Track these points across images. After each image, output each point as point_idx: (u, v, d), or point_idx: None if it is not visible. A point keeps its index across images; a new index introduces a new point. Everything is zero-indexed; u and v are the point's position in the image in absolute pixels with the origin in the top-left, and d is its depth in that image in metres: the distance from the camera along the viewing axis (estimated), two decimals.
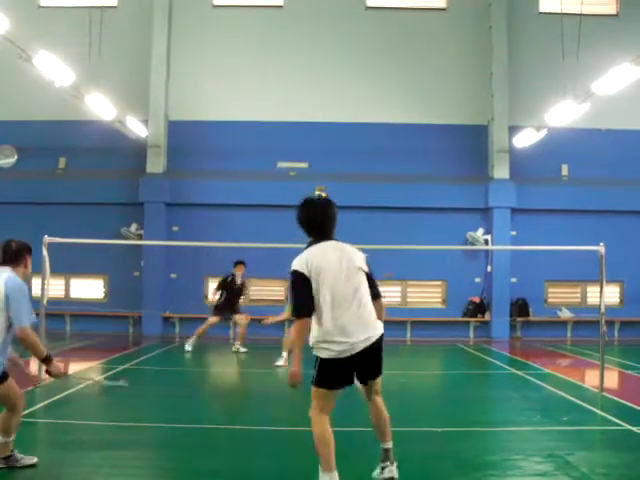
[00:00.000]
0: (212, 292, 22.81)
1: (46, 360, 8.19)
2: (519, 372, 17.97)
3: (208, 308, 23.46)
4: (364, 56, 27.79)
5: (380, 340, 7.43)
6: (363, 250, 7.82)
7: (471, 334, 27.11)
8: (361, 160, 27.06)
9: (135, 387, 15.59)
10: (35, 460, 8.49)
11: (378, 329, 7.42)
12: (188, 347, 21.82)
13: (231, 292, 22.08)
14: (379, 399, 7.72)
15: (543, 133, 24.25)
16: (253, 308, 27.12)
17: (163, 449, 9.85)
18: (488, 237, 26.75)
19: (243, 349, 22.11)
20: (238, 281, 22.16)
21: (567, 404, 13.30)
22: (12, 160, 27.74)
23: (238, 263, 22.06)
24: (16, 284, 8.15)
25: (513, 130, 26.61)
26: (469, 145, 27.52)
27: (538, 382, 16.10)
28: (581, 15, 24.16)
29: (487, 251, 26.71)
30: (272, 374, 18.18)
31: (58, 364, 8.34)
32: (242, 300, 22.78)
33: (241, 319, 22.27)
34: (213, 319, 22.22)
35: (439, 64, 27.75)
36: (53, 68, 18.03)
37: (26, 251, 8.66)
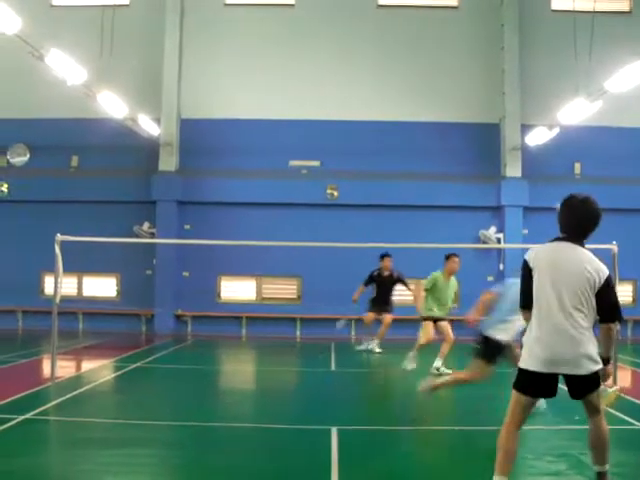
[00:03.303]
0: (357, 290, 22.07)
1: None
2: None
3: (355, 308, 22.89)
4: (376, 54, 27.75)
5: None
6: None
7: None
8: (373, 158, 27.03)
9: (147, 385, 15.66)
10: None
11: None
12: (370, 347, 21.63)
13: (380, 286, 21.81)
14: (596, 416, 7.02)
15: (555, 131, 24.15)
16: (266, 307, 27.23)
17: (175, 447, 9.84)
18: (500, 235, 26.66)
19: (378, 349, 21.58)
20: (385, 274, 21.71)
21: (579, 403, 13.20)
22: (25, 158, 27.81)
23: (382, 256, 21.53)
24: None
25: (525, 128, 26.48)
26: (481, 143, 27.41)
27: None
28: (594, 12, 24.10)
29: (499, 250, 26.62)
30: (285, 372, 18.20)
31: None
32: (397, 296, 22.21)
33: (387, 318, 21.73)
34: (369, 317, 21.93)
35: (451, 62, 27.66)
36: (65, 67, 18.05)
37: None
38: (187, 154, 27.85)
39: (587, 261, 6.78)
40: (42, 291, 27.58)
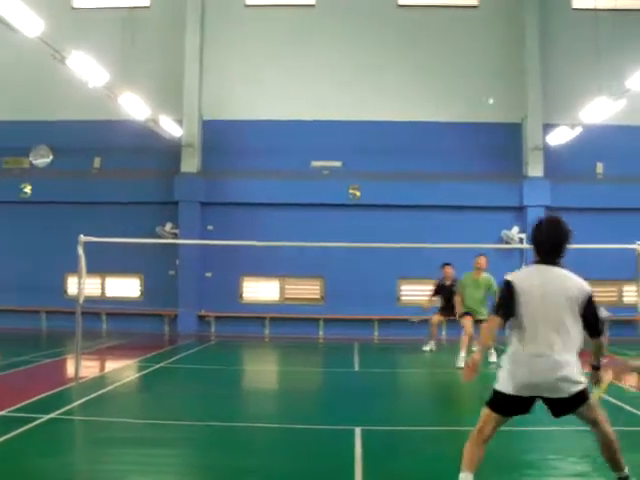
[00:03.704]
0: (427, 299, 22.15)
1: None
2: None
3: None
4: (396, 54, 27.70)
5: None
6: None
7: (506, 332, 26.75)
8: (395, 158, 26.98)
9: (170, 385, 15.71)
10: None
11: None
12: (428, 347, 21.72)
13: (444, 295, 21.58)
14: (595, 428, 7.09)
15: (578, 130, 24.06)
16: (289, 307, 27.24)
17: (199, 447, 9.86)
18: (523, 236, 26.53)
19: (428, 347, 21.87)
20: (447, 283, 21.51)
21: (604, 404, 13.12)
22: (47, 160, 27.96)
23: (443, 265, 21.61)
24: None
25: (547, 128, 26.37)
26: (503, 143, 27.30)
27: None
28: (615, 10, 24.00)
29: (522, 249, 26.50)
30: (308, 372, 18.21)
31: None
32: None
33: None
34: (436, 318, 21.92)
35: (472, 62, 27.56)
36: (87, 68, 18.13)
37: None
38: (209, 155, 27.92)
39: (570, 281, 6.91)
40: (66, 292, 27.72)
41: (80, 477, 8.30)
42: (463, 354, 17.62)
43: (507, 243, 26.41)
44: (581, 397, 6.77)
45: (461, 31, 27.79)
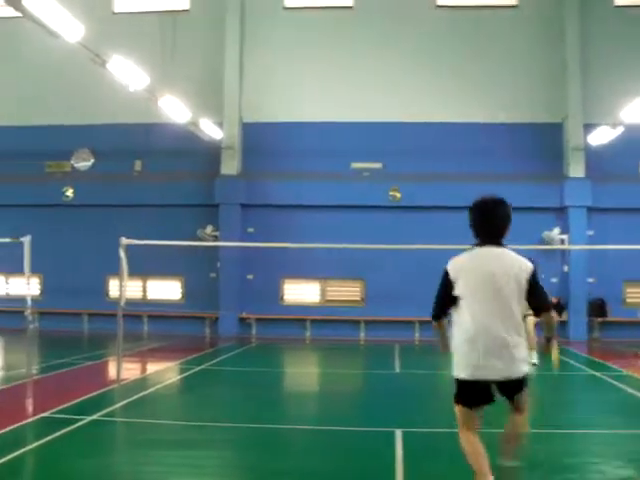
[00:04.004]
0: None
1: None
2: (597, 373, 17.63)
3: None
4: (435, 55, 27.57)
5: None
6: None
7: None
8: (435, 160, 26.84)
9: (211, 387, 15.75)
10: None
11: None
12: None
13: None
14: (518, 411, 6.98)
15: (619, 130, 23.80)
16: (330, 309, 27.23)
17: (240, 449, 9.89)
18: (564, 237, 26.33)
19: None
20: None
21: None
22: (89, 163, 28.17)
23: None
24: None
25: (588, 128, 26.04)
26: (544, 143, 27.07)
27: (617, 384, 15.79)
28: None
29: (563, 251, 26.30)
30: (349, 374, 18.19)
31: None
32: None
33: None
34: None
35: (512, 62, 27.34)
36: (127, 72, 18.25)
37: None
38: (249, 157, 27.97)
39: (511, 260, 6.87)
40: (107, 294, 27.93)
41: (121, 479, 8.34)
42: None
43: (548, 244, 26.19)
44: (525, 380, 6.79)
45: (500, 31, 27.59)
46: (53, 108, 28.32)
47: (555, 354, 9.02)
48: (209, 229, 27.56)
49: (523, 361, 6.70)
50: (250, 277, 27.65)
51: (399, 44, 27.62)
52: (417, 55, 27.60)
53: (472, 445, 6.81)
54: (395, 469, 8.41)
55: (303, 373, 19.71)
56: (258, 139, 27.82)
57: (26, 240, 13.54)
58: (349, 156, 27.51)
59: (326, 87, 27.68)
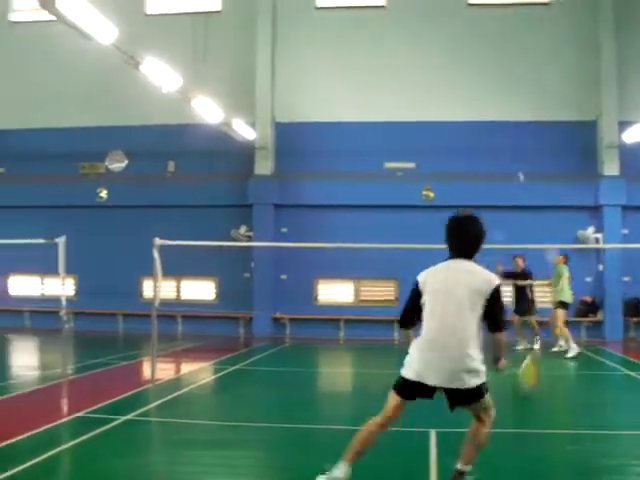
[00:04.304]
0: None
1: None
2: (632, 373, 17.47)
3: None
4: (467, 54, 27.42)
5: None
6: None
7: (583, 334, 26.38)
8: (468, 159, 26.71)
9: (246, 387, 15.77)
10: None
11: None
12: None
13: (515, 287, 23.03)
14: (478, 419, 7.23)
15: None
16: (364, 309, 27.20)
17: (274, 449, 9.89)
18: (599, 236, 26.11)
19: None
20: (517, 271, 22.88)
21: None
22: (123, 164, 28.29)
23: (514, 257, 22.82)
24: None
25: (623, 125, 25.77)
26: (577, 142, 26.82)
27: None
28: None
29: (598, 250, 26.09)
30: (383, 374, 18.13)
31: None
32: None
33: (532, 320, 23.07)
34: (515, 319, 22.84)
35: (544, 60, 27.08)
36: (160, 74, 18.35)
37: None
38: (282, 157, 27.99)
39: (475, 275, 7.05)
40: (142, 294, 28.07)
41: (156, 478, 8.37)
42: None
43: (583, 243, 25.98)
44: (477, 392, 6.91)
45: (533, 28, 27.37)
46: (86, 110, 28.49)
47: (529, 371, 8.56)
48: (243, 229, 27.63)
49: (473, 373, 6.84)
50: (284, 277, 27.68)
51: (431, 43, 27.53)
52: (449, 54, 27.46)
53: (367, 428, 7.24)
54: (430, 470, 8.38)
55: (337, 373, 19.71)
56: (291, 139, 27.84)
57: (60, 241, 13.60)
58: (382, 155, 27.45)
59: (358, 86, 27.62)
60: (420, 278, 7.29)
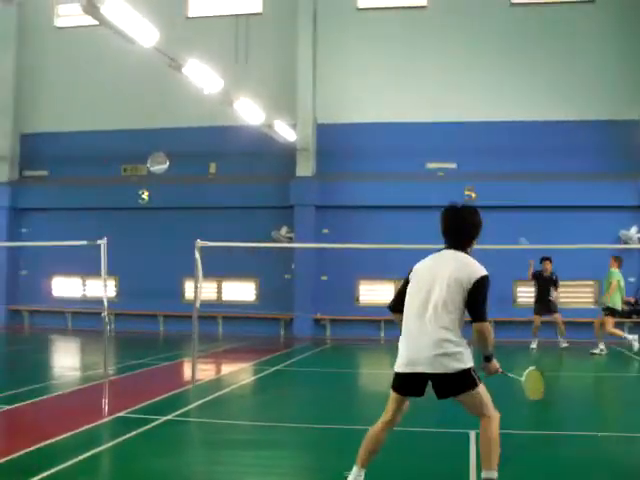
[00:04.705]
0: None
1: None
2: None
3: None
4: (509, 53, 27.27)
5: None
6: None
7: (626, 335, 26.10)
8: (509, 159, 26.60)
9: (286, 388, 15.81)
10: None
11: None
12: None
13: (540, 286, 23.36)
14: (480, 419, 7.08)
15: None
16: None
17: (314, 450, 9.89)
18: None
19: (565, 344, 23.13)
20: (545, 275, 23.22)
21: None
22: (164, 166, 28.43)
23: (543, 259, 23.02)
24: None
25: None
26: (620, 141, 26.56)
27: None
28: None
29: None
30: None
31: None
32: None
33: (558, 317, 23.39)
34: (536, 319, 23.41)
35: (587, 59, 26.88)
36: (202, 76, 18.46)
37: None
38: (324, 159, 28.02)
39: (461, 264, 7.10)
40: (183, 296, 28.21)
41: (195, 478, 8.41)
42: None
43: (625, 243, 25.77)
44: (464, 380, 6.87)
45: (575, 27, 27.15)
46: (129, 112, 28.81)
47: (532, 382, 7.78)
48: (284, 230, 27.70)
49: (453, 357, 6.84)
50: (325, 278, 27.70)
51: (473, 43, 27.41)
52: (491, 53, 27.35)
53: (374, 430, 7.25)
54: (469, 471, 8.34)
55: (377, 374, 19.64)
56: (332, 140, 27.86)
57: (103, 243, 13.73)
58: (424, 156, 27.41)
59: (399, 87, 27.59)
60: (414, 267, 7.51)
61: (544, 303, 22.98)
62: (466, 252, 7.29)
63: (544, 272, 22.93)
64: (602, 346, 21.46)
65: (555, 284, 23.13)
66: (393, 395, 7.17)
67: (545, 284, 22.97)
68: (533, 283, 23.44)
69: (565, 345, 22.86)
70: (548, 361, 20.61)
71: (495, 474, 6.85)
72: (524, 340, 23.26)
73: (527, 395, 7.60)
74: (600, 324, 21.93)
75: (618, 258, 21.96)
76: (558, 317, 23.06)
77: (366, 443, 7.25)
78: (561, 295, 25.34)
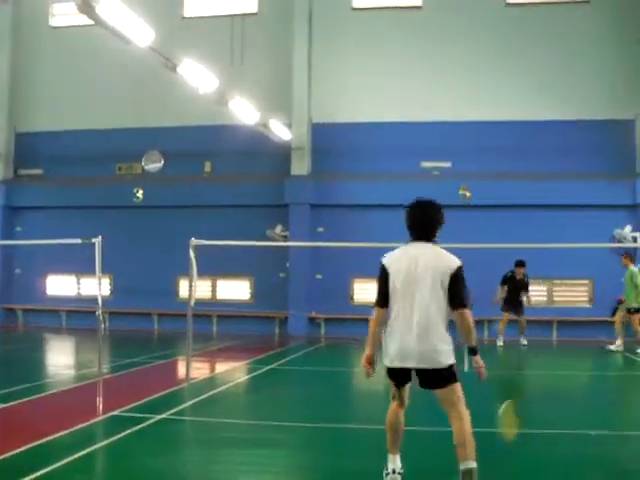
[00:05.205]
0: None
1: None
2: None
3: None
4: (505, 54, 27.29)
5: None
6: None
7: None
8: (504, 158, 26.61)
9: (280, 387, 15.83)
10: None
11: None
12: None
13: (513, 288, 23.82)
14: (453, 412, 7.29)
15: None
16: None
17: (309, 449, 9.93)
18: (637, 234, 25.97)
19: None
20: (518, 278, 23.65)
21: None
22: (159, 165, 28.51)
23: (518, 264, 23.44)
24: None
25: None
26: (615, 140, 26.62)
27: None
28: None
29: (635, 249, 25.91)
30: None
31: None
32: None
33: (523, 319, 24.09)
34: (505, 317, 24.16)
35: (582, 59, 26.89)
36: (197, 75, 18.48)
37: None
38: (319, 158, 28.03)
39: (437, 256, 7.35)
40: (177, 294, 28.19)
41: (190, 477, 8.43)
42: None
43: (619, 242, 25.82)
44: (448, 374, 7.16)
45: (571, 27, 27.17)
46: (124, 111, 28.80)
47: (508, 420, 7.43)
48: (278, 229, 27.72)
49: (443, 352, 7.12)
50: (319, 277, 27.71)
51: (468, 43, 27.42)
52: (487, 54, 27.37)
53: (390, 414, 7.58)
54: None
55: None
56: (327, 139, 27.88)
57: (97, 241, 13.73)
58: (418, 155, 27.44)
59: (395, 87, 27.58)
60: (385, 261, 7.59)
61: (514, 304, 23.65)
62: (434, 243, 7.49)
63: (517, 275, 23.44)
64: (619, 342, 21.75)
65: (526, 288, 23.75)
66: (392, 384, 7.42)
67: (517, 287, 23.54)
68: (505, 286, 23.67)
69: (525, 343, 23.60)
70: (547, 360, 20.63)
71: (475, 464, 7.06)
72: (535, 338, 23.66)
73: (504, 432, 7.76)
74: (622, 321, 22.54)
75: (627, 255, 22.22)
76: (524, 319, 23.88)
77: (390, 431, 7.56)
78: (557, 294, 25.59)
